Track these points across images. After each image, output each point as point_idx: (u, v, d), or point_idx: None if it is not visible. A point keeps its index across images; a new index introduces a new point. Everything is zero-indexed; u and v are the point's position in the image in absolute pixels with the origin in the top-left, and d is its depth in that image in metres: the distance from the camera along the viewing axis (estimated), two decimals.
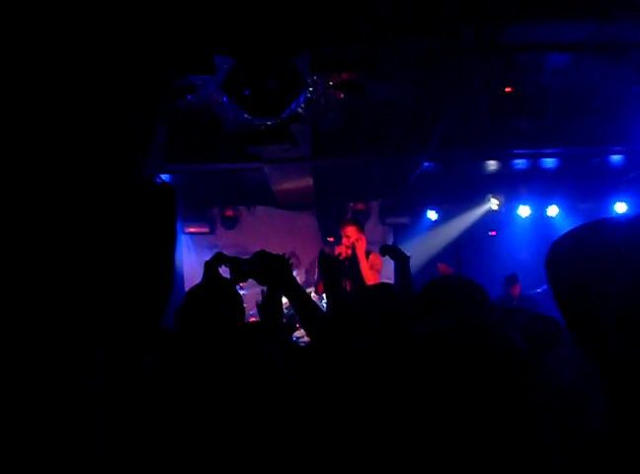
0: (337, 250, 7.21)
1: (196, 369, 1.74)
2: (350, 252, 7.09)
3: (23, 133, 0.67)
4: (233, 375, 1.78)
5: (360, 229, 7.28)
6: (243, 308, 3.05)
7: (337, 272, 2.84)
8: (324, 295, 9.23)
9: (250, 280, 2.69)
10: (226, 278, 2.59)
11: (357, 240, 7.08)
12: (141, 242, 0.75)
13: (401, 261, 4.36)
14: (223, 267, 2.74)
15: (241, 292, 8.51)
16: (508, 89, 5.91)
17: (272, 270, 2.50)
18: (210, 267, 2.62)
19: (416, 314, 2.36)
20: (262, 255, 2.53)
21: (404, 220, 11.54)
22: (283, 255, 2.58)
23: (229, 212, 11.55)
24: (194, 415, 1.67)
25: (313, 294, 8.03)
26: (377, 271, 7.16)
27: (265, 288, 3.18)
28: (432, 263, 10.09)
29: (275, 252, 2.69)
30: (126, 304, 0.70)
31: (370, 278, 6.76)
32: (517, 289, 9.51)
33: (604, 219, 1.14)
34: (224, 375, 1.77)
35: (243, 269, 2.55)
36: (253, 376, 1.81)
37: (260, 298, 3.99)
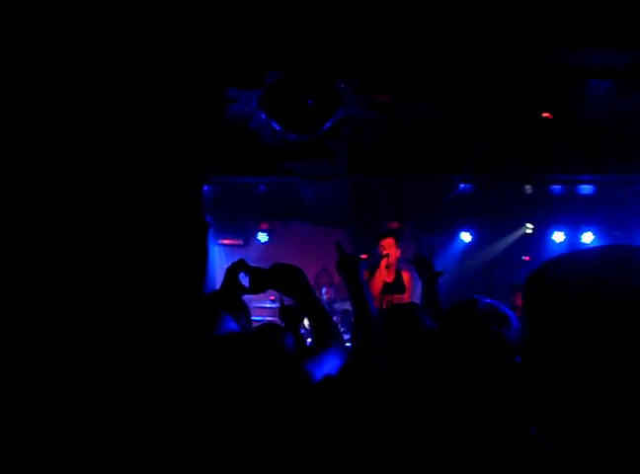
0: (382, 264, 7.39)
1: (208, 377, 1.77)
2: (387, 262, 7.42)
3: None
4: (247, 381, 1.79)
5: (397, 243, 7.57)
6: (249, 315, 3.14)
7: (360, 272, 2.85)
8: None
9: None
10: (244, 286, 2.62)
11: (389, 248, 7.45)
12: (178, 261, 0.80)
13: (429, 281, 4.33)
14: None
15: (274, 305, 8.66)
16: (546, 114, 5.88)
17: (289, 281, 2.54)
18: (231, 273, 2.64)
19: (441, 337, 2.35)
20: (280, 266, 2.57)
21: (438, 240, 11.50)
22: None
23: (264, 226, 11.61)
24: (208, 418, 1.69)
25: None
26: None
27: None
28: (463, 285, 10.06)
29: (306, 267, 2.73)
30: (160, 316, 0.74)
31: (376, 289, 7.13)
32: (518, 299, 9.19)
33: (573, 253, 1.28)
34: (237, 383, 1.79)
35: (261, 279, 2.58)
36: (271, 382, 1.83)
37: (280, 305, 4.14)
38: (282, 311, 4.34)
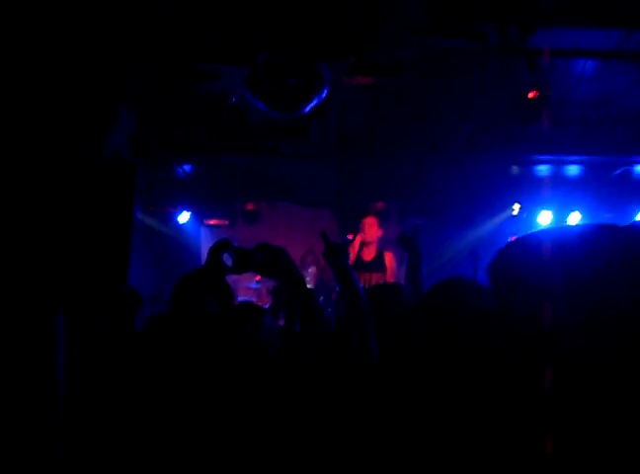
0: (357, 239, 7.45)
1: (178, 355, 1.75)
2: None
3: None
4: (214, 363, 1.78)
5: (379, 223, 7.66)
6: (231, 295, 3.15)
7: (347, 261, 2.85)
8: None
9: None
10: (226, 266, 2.61)
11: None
12: (97, 214, 0.76)
13: (413, 254, 4.31)
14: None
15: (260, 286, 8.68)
16: (532, 94, 5.87)
17: (273, 262, 2.53)
18: (214, 253, 2.62)
19: (422, 317, 2.35)
20: (264, 247, 2.56)
21: (424, 221, 11.49)
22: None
23: (250, 207, 11.58)
24: (174, 407, 1.67)
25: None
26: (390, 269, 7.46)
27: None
28: (449, 266, 10.09)
29: (293, 248, 2.73)
30: (83, 274, 0.71)
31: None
32: None
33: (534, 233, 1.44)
34: (205, 363, 1.77)
35: (245, 259, 2.56)
36: (235, 364, 1.81)
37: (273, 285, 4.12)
38: (275, 290, 4.33)
